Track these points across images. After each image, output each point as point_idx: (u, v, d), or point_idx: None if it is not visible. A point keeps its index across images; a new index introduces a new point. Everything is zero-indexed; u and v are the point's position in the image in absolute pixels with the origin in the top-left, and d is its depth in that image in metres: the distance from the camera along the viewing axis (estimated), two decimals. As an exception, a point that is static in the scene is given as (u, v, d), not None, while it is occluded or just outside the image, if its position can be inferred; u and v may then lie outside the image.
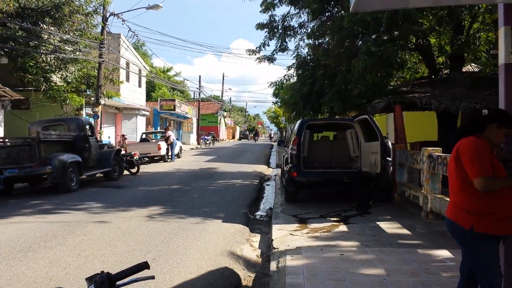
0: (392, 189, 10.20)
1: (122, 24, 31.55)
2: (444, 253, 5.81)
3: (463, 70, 13.28)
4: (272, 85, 16.29)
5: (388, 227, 7.61)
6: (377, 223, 7.92)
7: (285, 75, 15.93)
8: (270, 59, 15.57)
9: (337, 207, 9.54)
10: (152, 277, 2.06)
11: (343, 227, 7.62)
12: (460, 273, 3.48)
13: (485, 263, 3.15)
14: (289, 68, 15.64)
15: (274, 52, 15.35)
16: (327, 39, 12.91)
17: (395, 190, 10.11)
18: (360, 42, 11.39)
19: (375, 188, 9.84)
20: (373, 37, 10.97)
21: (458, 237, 3.29)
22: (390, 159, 9.64)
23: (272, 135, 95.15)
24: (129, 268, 1.95)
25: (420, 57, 13.54)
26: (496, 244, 3.18)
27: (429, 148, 8.31)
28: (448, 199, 3.50)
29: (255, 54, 15.70)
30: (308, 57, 14.93)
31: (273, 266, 5.62)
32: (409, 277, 4.89)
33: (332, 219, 8.36)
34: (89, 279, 1.86)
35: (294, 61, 15.38)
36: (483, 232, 3.11)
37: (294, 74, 15.67)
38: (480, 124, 3.27)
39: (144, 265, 1.96)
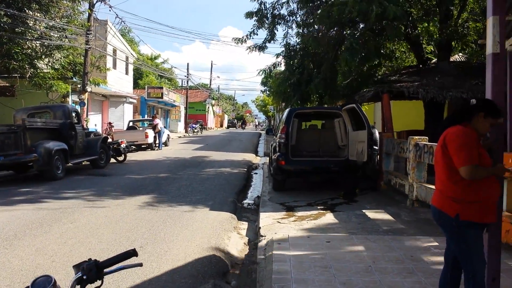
0: (378, 177, 10.28)
1: (109, 10, 31.14)
2: (429, 241, 5.88)
3: (451, 59, 13.37)
4: (260, 72, 16.17)
5: (374, 215, 7.69)
6: (363, 211, 8.00)
7: (273, 63, 15.84)
8: (261, 48, 15.34)
9: (324, 195, 9.61)
10: (140, 265, 2.05)
11: (330, 215, 7.67)
12: (445, 260, 3.53)
13: (469, 251, 3.19)
14: (277, 55, 15.52)
15: (265, 41, 15.10)
16: (316, 27, 12.86)
17: (381, 179, 10.19)
18: (348, 32, 11.38)
19: (362, 176, 9.92)
20: (360, 27, 10.97)
21: (444, 224, 3.33)
22: (376, 148, 9.72)
23: (257, 124, 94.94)
24: (117, 255, 1.94)
25: (409, 46, 13.59)
26: (480, 232, 3.23)
27: (416, 137, 8.38)
28: (434, 187, 3.54)
29: (242, 44, 15.49)
30: (297, 46, 14.86)
31: (260, 253, 5.65)
32: (394, 264, 4.95)
33: (319, 207, 8.42)
34: (77, 267, 1.85)
35: (283, 48, 15.28)
36: (468, 220, 3.15)
37: (283, 62, 15.57)
38: (468, 113, 3.30)
39: (132, 253, 1.95)
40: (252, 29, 14.83)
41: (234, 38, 15.53)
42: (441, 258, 3.77)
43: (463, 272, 3.30)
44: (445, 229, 3.36)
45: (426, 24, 11.77)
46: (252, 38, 15.09)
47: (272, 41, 14.86)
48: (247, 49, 15.51)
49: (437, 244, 5.65)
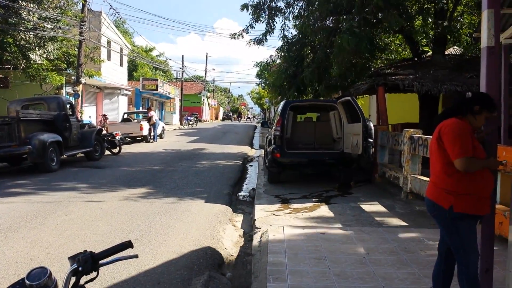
0: (373, 170, 10.32)
1: (103, 1, 30.93)
2: (423, 233, 5.93)
3: (446, 52, 13.39)
4: (257, 65, 16.06)
5: (369, 207, 7.73)
6: (358, 203, 8.04)
7: (271, 55, 15.77)
8: (260, 41, 15.10)
9: (319, 187, 9.64)
10: (136, 256, 2.05)
11: (324, 207, 7.70)
12: (438, 252, 3.56)
13: (463, 242, 3.22)
14: (278, 50, 15.39)
15: (265, 34, 14.83)
16: (312, 19, 12.78)
17: (376, 171, 10.23)
18: (343, 21, 11.36)
19: (357, 169, 9.95)
20: (356, 19, 10.95)
21: (438, 216, 3.36)
22: (371, 140, 9.73)
23: (249, 116, 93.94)
24: (113, 247, 1.94)
25: (404, 39, 13.58)
26: (474, 224, 3.26)
27: (410, 130, 8.41)
28: (428, 180, 3.56)
29: (238, 38, 15.30)
30: (295, 38, 14.75)
31: (255, 245, 5.67)
32: (388, 255, 4.98)
33: (314, 199, 8.45)
34: (72, 258, 1.85)
35: (281, 42, 15.17)
36: (462, 212, 3.17)
37: (281, 55, 15.45)
38: (463, 106, 3.31)
39: (128, 244, 1.95)
40: (250, 23, 14.64)
41: (231, 34, 15.30)
42: (434, 250, 3.80)
43: (457, 264, 3.33)
44: (439, 221, 3.38)
45: (422, 19, 11.75)
46: (249, 33, 14.90)
47: (269, 34, 14.70)
48: (247, 44, 15.31)
49: (431, 236, 5.69)
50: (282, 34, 14.84)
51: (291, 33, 15.13)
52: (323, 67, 12.40)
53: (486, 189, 3.23)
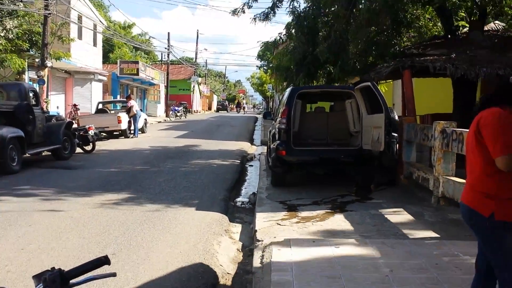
0: (397, 170, 10.32)
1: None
2: (457, 245, 5.93)
3: (485, 28, 13.34)
4: (264, 45, 16.02)
5: (392, 215, 7.74)
6: (380, 210, 8.05)
7: (279, 33, 15.73)
8: (267, 15, 14.98)
9: (333, 191, 9.64)
10: (113, 274, 2.05)
11: (339, 216, 7.71)
12: (476, 269, 3.56)
13: (506, 257, 3.20)
14: (288, 27, 15.33)
15: (272, 8, 14.75)
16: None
17: (401, 172, 10.23)
18: None
19: (378, 169, 9.95)
20: None
21: (476, 226, 3.35)
22: (396, 134, 9.73)
23: (245, 106, 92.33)
24: (86, 263, 1.94)
25: (435, 12, 13.53)
26: (519, 235, 3.26)
27: (442, 122, 8.39)
28: (463, 182, 3.55)
29: (238, 15, 15.23)
30: (307, 10, 14.67)
31: (256, 261, 5.68)
32: (416, 273, 4.99)
33: (326, 206, 8.45)
34: (37, 277, 1.85)
35: (290, 17, 15.14)
36: (505, 220, 3.15)
37: (290, 32, 15.39)
38: (506, 93, 3.29)
39: (104, 260, 1.95)
40: None
41: (231, 10, 15.28)
42: (472, 266, 3.80)
43: (498, 283, 3.32)
44: (477, 231, 3.38)
45: None
46: (251, 7, 14.82)
47: (277, 7, 14.60)
48: (252, 20, 15.27)
49: (467, 249, 5.68)
50: (291, 6, 14.77)
51: (300, 5, 15.04)
52: (339, 43, 12.37)
53: (533, 192, 3.23)
